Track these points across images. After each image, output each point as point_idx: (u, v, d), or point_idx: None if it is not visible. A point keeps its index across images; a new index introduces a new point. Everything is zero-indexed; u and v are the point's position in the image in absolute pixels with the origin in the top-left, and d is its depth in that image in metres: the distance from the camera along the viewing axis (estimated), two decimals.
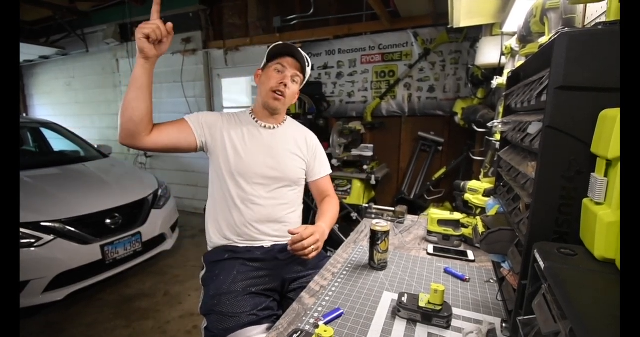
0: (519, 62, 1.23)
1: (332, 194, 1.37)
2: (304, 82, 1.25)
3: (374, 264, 1.01)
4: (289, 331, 0.72)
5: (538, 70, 0.63)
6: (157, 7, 0.93)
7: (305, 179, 1.31)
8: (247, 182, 1.16)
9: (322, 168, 1.33)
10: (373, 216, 1.48)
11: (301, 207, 1.32)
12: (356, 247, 1.19)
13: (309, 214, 2.78)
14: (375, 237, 0.99)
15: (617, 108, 0.42)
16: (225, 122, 1.19)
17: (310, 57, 1.25)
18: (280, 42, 1.16)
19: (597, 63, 0.45)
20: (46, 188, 2.35)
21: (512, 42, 1.32)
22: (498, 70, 1.68)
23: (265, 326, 0.94)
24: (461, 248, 1.16)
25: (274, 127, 1.24)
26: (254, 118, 1.23)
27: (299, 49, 1.17)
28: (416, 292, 0.84)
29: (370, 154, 2.92)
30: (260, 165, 1.17)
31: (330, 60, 3.48)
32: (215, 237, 1.19)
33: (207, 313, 0.99)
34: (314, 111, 3.22)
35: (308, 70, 1.22)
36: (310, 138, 1.32)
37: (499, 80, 1.41)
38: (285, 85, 1.15)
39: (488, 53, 1.86)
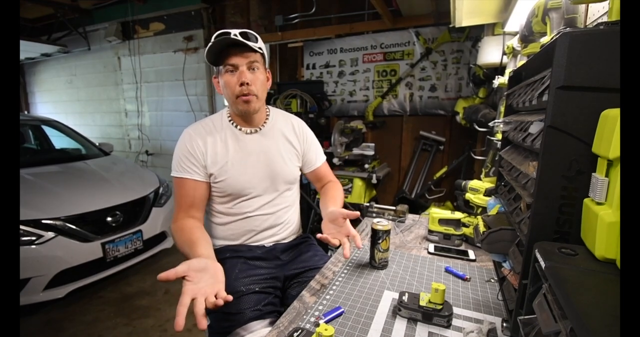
0: (521, 61, 1.23)
1: (333, 178, 1.30)
2: (265, 54, 1.10)
3: (375, 263, 1.01)
4: (290, 330, 0.72)
5: (539, 70, 0.63)
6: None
7: (301, 169, 1.25)
8: (246, 198, 1.13)
9: (317, 156, 1.27)
10: (374, 215, 1.48)
11: (298, 200, 1.28)
12: None
13: (310, 212, 2.78)
14: (376, 236, 0.99)
15: (619, 108, 0.42)
16: (201, 144, 1.08)
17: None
18: (214, 38, 0.98)
19: (599, 63, 0.45)
20: (47, 186, 2.35)
21: (514, 42, 1.32)
22: (500, 69, 1.67)
23: (268, 320, 0.94)
24: (462, 247, 1.16)
25: (260, 129, 1.15)
26: (234, 125, 1.12)
27: (236, 32, 0.99)
28: (417, 291, 0.84)
29: (371, 153, 2.92)
30: (256, 179, 1.12)
31: (332, 59, 3.47)
32: (215, 238, 1.19)
33: (209, 312, 0.98)
34: (316, 110, 3.22)
35: (260, 42, 1.06)
36: (297, 125, 1.23)
37: (500, 80, 1.41)
38: (248, 84, 1.02)
39: (490, 52, 1.86)
